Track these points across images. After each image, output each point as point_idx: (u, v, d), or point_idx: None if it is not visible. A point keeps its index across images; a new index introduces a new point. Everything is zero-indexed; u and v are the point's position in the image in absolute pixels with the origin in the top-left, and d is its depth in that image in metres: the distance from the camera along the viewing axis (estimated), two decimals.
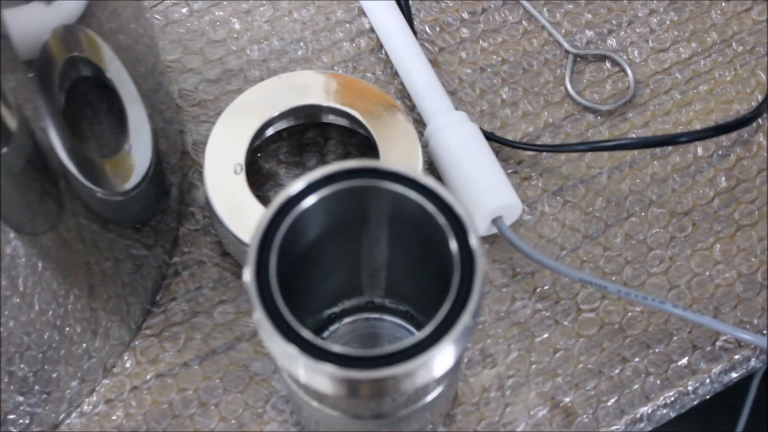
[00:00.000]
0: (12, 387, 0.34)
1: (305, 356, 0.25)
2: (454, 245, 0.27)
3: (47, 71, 0.29)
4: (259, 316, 0.26)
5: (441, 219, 0.27)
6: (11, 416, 0.36)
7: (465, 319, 0.26)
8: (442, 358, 0.26)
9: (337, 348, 0.25)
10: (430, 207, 0.27)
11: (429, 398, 0.30)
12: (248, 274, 0.26)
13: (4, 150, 0.27)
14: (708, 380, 0.40)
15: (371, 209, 0.29)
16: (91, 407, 0.38)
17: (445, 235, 0.27)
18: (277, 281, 0.26)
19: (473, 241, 0.27)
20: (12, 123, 0.27)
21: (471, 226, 0.27)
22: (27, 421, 0.36)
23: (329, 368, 0.25)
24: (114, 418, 0.38)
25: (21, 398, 0.35)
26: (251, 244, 0.27)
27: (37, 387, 0.35)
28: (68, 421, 0.38)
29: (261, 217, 0.27)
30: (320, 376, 0.26)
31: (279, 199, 0.27)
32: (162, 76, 0.41)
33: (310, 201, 0.28)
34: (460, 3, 0.47)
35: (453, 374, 0.31)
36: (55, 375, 0.36)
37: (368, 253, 0.32)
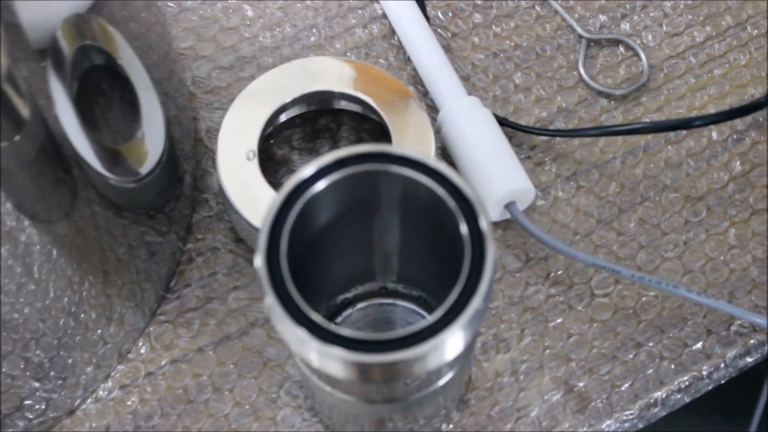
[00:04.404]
0: (28, 373, 0.35)
1: (316, 340, 0.25)
2: (464, 229, 0.27)
3: (59, 60, 0.29)
4: (270, 300, 0.26)
5: (451, 203, 0.27)
6: (28, 402, 0.36)
7: (476, 302, 0.26)
8: (453, 342, 0.26)
9: (347, 332, 0.26)
10: (440, 191, 0.27)
11: (441, 382, 0.30)
12: (259, 259, 0.26)
13: (18, 138, 0.27)
14: (723, 365, 0.40)
15: (382, 194, 0.29)
16: (106, 393, 0.39)
17: (455, 219, 0.27)
18: (288, 266, 0.26)
19: (483, 225, 0.27)
20: (25, 112, 0.27)
21: (481, 209, 0.27)
22: (43, 407, 0.37)
23: (340, 352, 0.25)
24: (129, 403, 0.39)
25: (37, 384, 0.36)
26: (262, 228, 0.27)
27: (52, 373, 0.36)
28: (84, 407, 0.39)
29: (271, 201, 0.27)
30: (331, 360, 0.26)
31: (289, 183, 0.27)
32: (174, 64, 0.41)
33: (320, 186, 0.28)
34: None
35: (465, 358, 0.31)
36: (70, 361, 0.36)
37: (380, 238, 0.32)
